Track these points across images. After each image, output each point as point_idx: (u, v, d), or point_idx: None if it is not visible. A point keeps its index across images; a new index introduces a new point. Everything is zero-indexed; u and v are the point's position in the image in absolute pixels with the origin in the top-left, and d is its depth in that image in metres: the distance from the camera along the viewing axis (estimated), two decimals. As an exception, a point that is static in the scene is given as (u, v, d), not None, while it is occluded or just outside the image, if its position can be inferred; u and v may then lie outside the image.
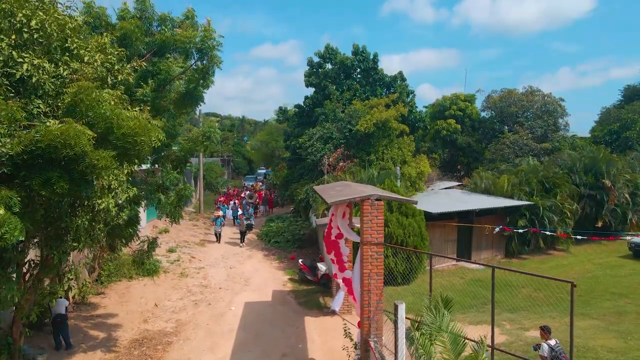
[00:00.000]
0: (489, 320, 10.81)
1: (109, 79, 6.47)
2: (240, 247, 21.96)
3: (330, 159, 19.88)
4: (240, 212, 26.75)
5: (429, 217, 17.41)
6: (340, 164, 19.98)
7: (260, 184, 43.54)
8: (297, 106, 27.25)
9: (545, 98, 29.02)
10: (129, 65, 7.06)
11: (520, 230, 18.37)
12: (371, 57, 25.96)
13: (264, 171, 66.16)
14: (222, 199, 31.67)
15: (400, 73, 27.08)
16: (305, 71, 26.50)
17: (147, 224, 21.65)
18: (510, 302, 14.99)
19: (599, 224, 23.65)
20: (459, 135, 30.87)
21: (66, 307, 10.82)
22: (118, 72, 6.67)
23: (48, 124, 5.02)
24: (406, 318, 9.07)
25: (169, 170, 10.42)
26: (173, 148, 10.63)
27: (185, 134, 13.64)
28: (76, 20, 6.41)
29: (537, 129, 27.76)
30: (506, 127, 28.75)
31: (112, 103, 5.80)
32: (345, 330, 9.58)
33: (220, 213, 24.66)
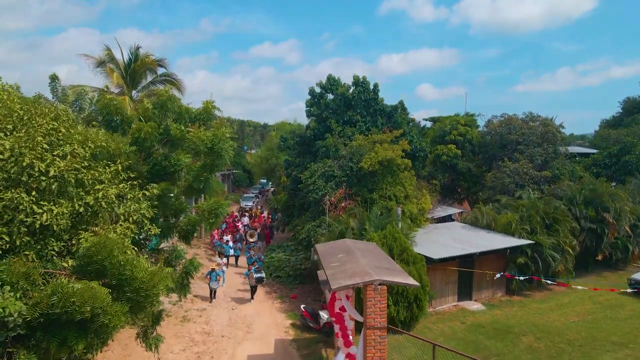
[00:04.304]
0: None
1: (121, 209, 6.55)
2: (251, 303, 19.46)
3: (332, 199, 19.95)
4: (237, 248, 25.04)
5: (430, 260, 17.49)
6: (342, 204, 20.05)
7: (260, 207, 42.38)
8: (299, 135, 27.32)
9: (546, 126, 29.11)
10: (139, 194, 7.14)
11: (522, 278, 18.42)
12: (371, 87, 26.02)
13: (264, 181, 65.59)
14: (215, 232, 27.32)
15: (401, 102, 27.20)
16: (306, 101, 26.58)
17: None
18: (512, 354, 15.08)
19: (600, 257, 23.77)
20: (459, 160, 30.95)
21: None
22: (130, 200, 6.77)
23: (64, 280, 5.10)
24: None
25: (176, 246, 10.51)
26: (180, 224, 10.68)
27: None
28: (90, 147, 6.49)
29: (537, 157, 27.85)
30: (506, 157, 28.77)
31: (125, 245, 5.86)
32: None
33: (223, 261, 22.25)
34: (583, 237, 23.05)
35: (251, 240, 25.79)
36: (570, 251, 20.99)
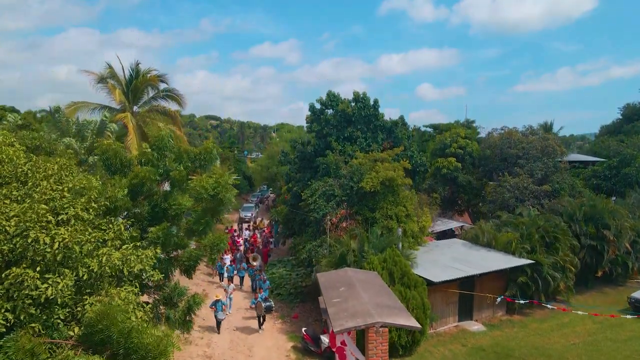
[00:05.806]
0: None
1: (125, 270, 6.62)
2: (259, 333, 18.55)
3: (333, 219, 20.00)
4: (242, 268, 24.08)
5: (431, 282, 17.56)
6: (343, 224, 20.10)
7: (261, 218, 42.03)
8: (300, 150, 27.39)
9: (546, 140, 29.21)
10: (143, 254, 7.21)
11: (522, 302, 18.46)
12: (371, 103, 26.13)
13: (264, 188, 65.32)
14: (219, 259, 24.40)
15: (402, 117, 27.34)
16: (306, 116, 26.71)
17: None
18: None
19: (599, 274, 23.84)
20: (460, 173, 31.02)
21: None
22: (134, 261, 6.83)
23: (70, 353, 5.16)
24: None
25: (177, 282, 10.57)
26: (181, 258, 10.74)
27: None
28: (94, 207, 6.56)
29: (537, 171, 27.92)
30: (506, 170, 28.86)
31: (131, 310, 5.93)
32: None
33: (231, 288, 21.02)
34: (583, 254, 23.08)
35: (254, 264, 24.74)
36: (572, 269, 21.05)
